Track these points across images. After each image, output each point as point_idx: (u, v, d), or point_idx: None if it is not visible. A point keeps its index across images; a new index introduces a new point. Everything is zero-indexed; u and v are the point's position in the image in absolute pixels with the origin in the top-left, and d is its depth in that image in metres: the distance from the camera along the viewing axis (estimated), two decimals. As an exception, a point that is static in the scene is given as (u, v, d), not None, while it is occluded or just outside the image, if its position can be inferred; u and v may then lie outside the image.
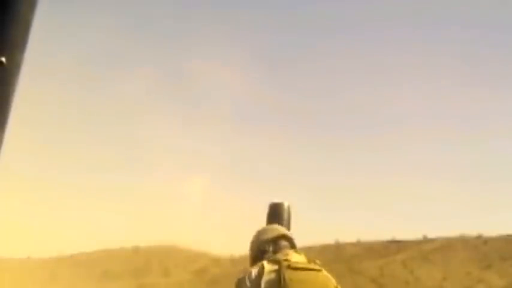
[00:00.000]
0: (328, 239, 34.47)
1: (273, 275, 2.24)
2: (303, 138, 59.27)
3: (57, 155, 63.78)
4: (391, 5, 58.77)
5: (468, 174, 52.84)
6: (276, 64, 63.41)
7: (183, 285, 38.47)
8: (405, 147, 55.67)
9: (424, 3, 59.85)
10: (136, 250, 47.00)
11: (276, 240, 2.51)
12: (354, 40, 60.98)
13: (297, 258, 2.44)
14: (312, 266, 2.40)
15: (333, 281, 2.33)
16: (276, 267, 2.26)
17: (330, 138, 58.65)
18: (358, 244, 33.84)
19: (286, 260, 2.35)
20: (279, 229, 2.68)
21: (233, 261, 37.46)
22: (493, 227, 54.32)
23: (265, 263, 2.30)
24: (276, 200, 3.65)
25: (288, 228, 3.57)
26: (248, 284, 2.24)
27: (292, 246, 2.56)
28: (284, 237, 2.57)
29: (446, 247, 31.01)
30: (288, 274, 2.23)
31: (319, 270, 2.37)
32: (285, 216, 3.60)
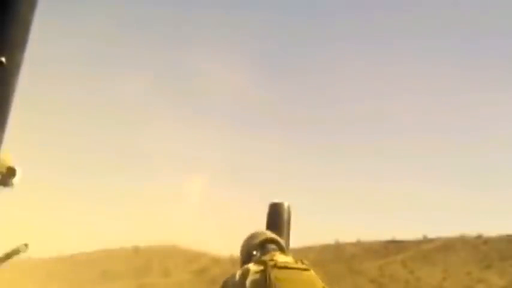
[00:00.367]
0: (328, 239, 34.49)
1: (258, 276, 2.26)
2: (304, 140, 59.33)
3: (57, 156, 63.81)
4: (394, 13, 58.80)
5: (468, 174, 52.87)
6: (277, 68, 63.48)
7: (183, 285, 38.47)
8: (405, 148, 55.71)
9: (427, 11, 59.87)
10: (136, 250, 47.01)
11: (264, 244, 2.54)
12: (356, 46, 61.06)
13: (283, 259, 2.46)
14: (299, 265, 2.43)
15: (320, 282, 2.36)
16: (261, 267, 2.28)
17: (330, 140, 58.65)
18: (358, 244, 33.84)
19: (272, 260, 2.38)
20: (266, 233, 2.71)
21: (233, 261, 37.45)
22: (493, 227, 54.29)
23: (250, 265, 2.32)
24: (276, 200, 3.65)
25: (288, 228, 3.58)
26: (231, 286, 2.27)
27: (280, 249, 2.59)
28: (272, 240, 2.60)
29: (446, 247, 31.01)
30: (274, 273, 2.25)
31: (306, 270, 2.39)
32: (285, 216, 3.61)
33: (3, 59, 1.01)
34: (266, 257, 2.39)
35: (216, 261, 42.53)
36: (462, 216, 48.62)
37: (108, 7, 69.27)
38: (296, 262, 2.49)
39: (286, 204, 3.63)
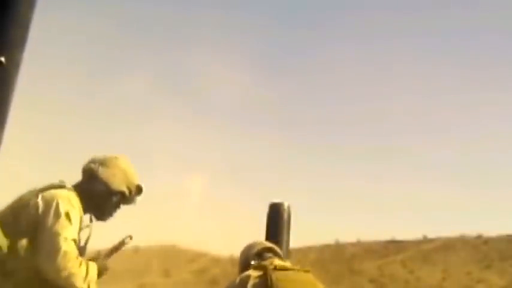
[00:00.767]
0: (328, 239, 34.48)
1: (258, 280, 2.31)
2: (304, 140, 59.38)
3: (57, 155, 63.82)
4: (394, 13, 58.84)
5: (468, 174, 52.89)
6: (278, 68, 63.50)
7: (183, 285, 38.48)
8: (405, 148, 55.73)
9: (430, 12, 59.90)
10: (136, 250, 47.05)
11: (261, 253, 2.58)
12: (357, 46, 61.07)
13: (282, 263, 2.52)
14: (298, 267, 2.50)
15: (320, 284, 2.41)
16: (261, 272, 2.33)
17: (330, 140, 58.70)
18: (358, 244, 33.85)
19: (271, 264, 2.42)
20: (263, 243, 2.75)
21: (233, 261, 37.46)
22: (493, 227, 54.32)
23: (250, 271, 2.37)
24: (276, 200, 3.66)
25: (288, 228, 3.58)
26: None
27: (278, 257, 2.63)
28: (269, 249, 2.64)
29: (446, 247, 31.02)
30: (275, 274, 2.30)
31: (306, 271, 2.45)
32: (285, 216, 3.61)
33: (3, 59, 1.01)
34: (265, 262, 2.44)
35: (216, 261, 42.54)
36: (462, 216, 48.66)
37: (109, 7, 69.31)
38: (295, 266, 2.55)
39: (286, 204, 3.64)
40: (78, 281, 2.36)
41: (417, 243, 32.35)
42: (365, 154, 57.94)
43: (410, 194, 52.82)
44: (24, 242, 2.35)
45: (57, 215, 2.36)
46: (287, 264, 2.55)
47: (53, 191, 2.48)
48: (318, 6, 62.29)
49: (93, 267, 2.48)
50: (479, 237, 31.50)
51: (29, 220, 2.38)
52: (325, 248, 33.65)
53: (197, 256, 45.03)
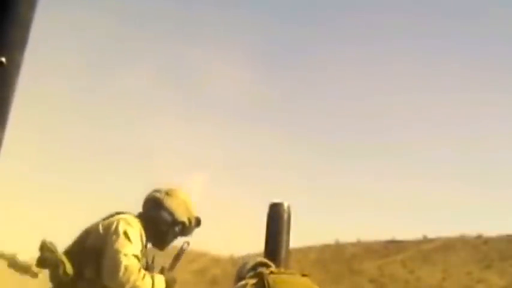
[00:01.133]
0: (328, 239, 34.44)
1: (254, 286, 2.36)
2: (305, 139, 59.31)
3: (57, 154, 63.82)
4: (396, 11, 58.86)
5: (468, 174, 52.92)
6: (279, 64, 63.47)
7: (183, 285, 38.50)
8: (406, 148, 55.74)
9: (428, 9, 59.93)
10: (136, 250, 46.98)
11: (255, 267, 2.63)
12: (359, 44, 61.01)
13: (278, 270, 2.58)
14: (295, 271, 2.55)
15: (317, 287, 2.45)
16: (256, 279, 2.38)
17: (331, 138, 58.67)
18: (358, 244, 33.85)
19: (267, 270, 2.50)
20: (257, 258, 2.81)
21: (233, 261, 37.46)
22: (493, 227, 54.34)
23: (247, 279, 2.43)
24: (276, 200, 3.66)
25: (288, 228, 3.59)
26: None
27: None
28: (264, 264, 2.68)
29: (446, 247, 31.02)
30: (272, 278, 2.35)
31: (303, 275, 2.49)
32: (285, 216, 3.62)
33: (3, 59, 1.02)
34: (261, 269, 2.48)
35: (216, 261, 42.52)
36: (462, 216, 48.60)
37: (110, 1, 69.33)
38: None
39: (286, 205, 3.65)
40: None
41: (417, 243, 32.33)
42: (365, 153, 57.95)
43: (410, 193, 52.83)
44: (90, 266, 2.51)
45: (116, 234, 2.51)
46: (283, 270, 2.61)
47: (114, 217, 2.64)
48: (319, 3, 62.31)
49: (160, 279, 2.59)
50: (479, 237, 31.48)
51: (93, 246, 2.54)
52: (325, 248, 33.64)
53: (197, 256, 45.03)
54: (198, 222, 2.87)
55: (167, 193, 2.81)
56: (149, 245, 2.73)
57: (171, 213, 2.76)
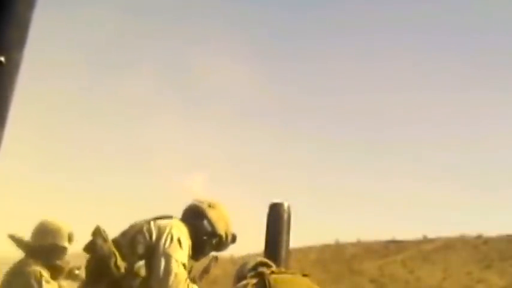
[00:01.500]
0: (328, 239, 34.44)
1: (255, 286, 2.37)
2: (304, 138, 59.31)
3: (57, 154, 63.85)
4: (397, 7, 58.82)
5: (468, 174, 52.94)
6: (282, 62, 63.46)
7: (183, 285, 38.36)
8: (406, 148, 55.75)
9: (429, 6, 59.90)
10: (136, 250, 46.96)
11: (256, 267, 2.64)
12: (362, 41, 60.90)
13: (278, 269, 2.61)
14: (296, 271, 2.57)
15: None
16: (257, 279, 2.40)
17: (332, 138, 58.66)
18: (358, 244, 33.85)
19: (268, 270, 2.52)
20: (257, 258, 2.81)
21: (233, 261, 37.49)
22: (493, 227, 54.37)
23: (247, 279, 2.44)
24: (276, 201, 3.66)
25: (288, 228, 3.59)
26: None
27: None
28: (264, 264, 2.69)
29: (446, 247, 31.03)
30: (273, 278, 2.36)
31: (304, 275, 2.51)
32: (285, 216, 3.62)
33: (2, 59, 1.02)
34: (262, 269, 2.49)
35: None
36: (462, 216, 48.61)
37: (110, 1, 69.32)
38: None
39: (286, 205, 3.65)
40: None
41: (417, 243, 32.34)
42: (365, 153, 57.99)
43: (410, 193, 52.86)
44: (140, 264, 2.50)
45: (170, 239, 2.52)
46: (283, 270, 2.62)
47: (167, 220, 2.66)
48: (327, 2, 62.32)
49: None
50: (479, 237, 31.48)
51: (144, 244, 2.54)
52: (325, 248, 33.65)
53: (197, 256, 44.95)
54: (233, 238, 2.90)
55: (210, 205, 2.84)
56: None
57: (212, 225, 2.79)
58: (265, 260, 2.78)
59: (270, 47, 61.42)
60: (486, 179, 50.53)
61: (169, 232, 2.55)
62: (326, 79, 59.54)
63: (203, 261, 2.83)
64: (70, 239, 3.58)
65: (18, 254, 3.74)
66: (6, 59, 1.02)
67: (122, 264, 2.46)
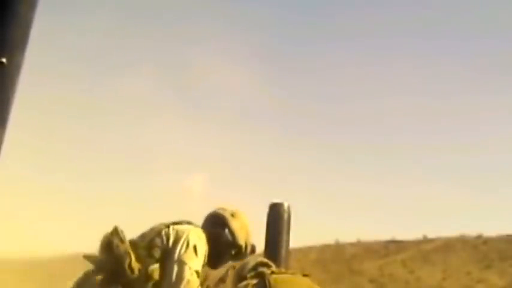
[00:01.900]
0: (328, 239, 34.43)
1: (256, 286, 2.37)
2: (305, 139, 59.34)
3: (58, 155, 63.81)
4: (398, 13, 58.84)
5: (468, 174, 52.93)
6: (281, 65, 63.47)
7: (183, 286, 38.28)
8: (406, 148, 55.74)
9: (428, 11, 59.88)
10: (136, 250, 46.82)
11: (256, 267, 2.64)
12: (363, 45, 61.05)
13: (279, 270, 2.61)
14: (296, 272, 2.57)
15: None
16: (257, 279, 2.40)
17: (331, 139, 58.69)
18: (358, 244, 33.83)
19: (268, 270, 2.53)
20: (257, 258, 2.82)
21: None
22: (493, 227, 54.32)
23: (248, 280, 2.44)
24: (276, 201, 3.66)
25: (288, 228, 3.59)
26: None
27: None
28: (264, 264, 2.69)
29: (446, 247, 31.02)
30: (273, 278, 2.36)
31: (304, 275, 2.51)
32: (285, 216, 3.62)
33: (4, 60, 1.02)
34: (262, 269, 2.49)
35: (216, 261, 42.39)
36: (462, 216, 48.60)
37: (109, 4, 69.25)
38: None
39: (286, 205, 3.65)
40: None
41: (417, 243, 32.32)
42: (365, 154, 57.98)
43: (410, 194, 52.83)
44: (154, 267, 2.51)
45: (186, 245, 2.52)
46: (283, 270, 2.62)
47: (185, 226, 2.65)
48: (323, 2, 62.32)
49: None
50: (479, 237, 31.47)
51: (161, 248, 2.55)
52: (325, 248, 33.63)
53: (197, 256, 44.85)
54: (253, 249, 2.90)
55: (232, 214, 2.82)
56: None
57: (233, 235, 2.77)
58: (265, 260, 2.77)
59: (270, 49, 61.46)
60: (486, 179, 50.53)
61: (186, 238, 2.55)
62: (326, 81, 59.53)
63: (220, 269, 2.83)
64: None
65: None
66: (7, 60, 1.02)
67: (136, 266, 2.47)
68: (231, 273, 2.74)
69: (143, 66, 64.98)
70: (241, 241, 2.77)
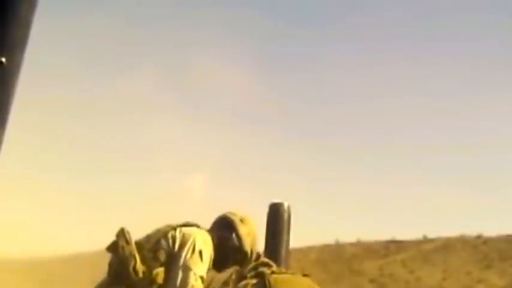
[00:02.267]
0: (328, 239, 34.43)
1: (255, 286, 2.38)
2: (305, 139, 59.31)
3: (58, 155, 63.82)
4: (396, 13, 58.87)
5: (468, 174, 52.94)
6: (280, 66, 63.49)
7: (183, 286, 38.26)
8: (406, 148, 55.72)
9: (428, 11, 59.94)
10: (136, 250, 46.74)
11: (256, 266, 2.66)
12: (360, 46, 61.01)
13: (279, 269, 2.62)
14: (296, 272, 2.57)
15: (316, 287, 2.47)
16: (257, 279, 2.40)
17: (331, 140, 58.69)
18: (358, 244, 33.84)
19: (268, 270, 2.55)
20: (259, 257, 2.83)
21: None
22: (493, 227, 54.32)
23: (247, 279, 2.45)
24: (276, 201, 3.66)
25: (288, 228, 3.59)
26: None
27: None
28: (264, 264, 2.70)
29: (446, 247, 31.02)
30: (273, 277, 2.37)
31: (305, 275, 2.51)
32: (285, 216, 3.62)
33: (3, 59, 1.02)
34: (262, 269, 2.50)
35: (216, 261, 42.35)
36: (462, 216, 48.61)
37: (110, 5, 69.34)
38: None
39: (286, 205, 3.65)
40: None
41: (417, 243, 32.32)
42: (365, 154, 57.99)
43: (410, 194, 52.83)
44: (158, 270, 2.51)
45: (192, 250, 2.52)
46: (284, 270, 2.63)
47: (192, 229, 2.65)
48: (320, 4, 62.35)
49: None
50: (479, 237, 31.47)
51: (167, 251, 2.54)
52: (325, 248, 33.64)
53: (197, 256, 44.80)
54: (257, 257, 2.90)
55: (241, 220, 2.82)
56: None
57: (240, 239, 2.77)
58: (266, 260, 2.77)
59: (270, 51, 61.48)
60: (486, 179, 50.54)
61: (193, 242, 2.54)
62: (326, 82, 59.55)
63: (224, 273, 2.83)
64: None
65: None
66: (7, 59, 1.02)
67: (140, 269, 2.47)
68: (234, 277, 2.74)
69: (144, 67, 65.06)
70: (247, 247, 2.77)
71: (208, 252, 2.58)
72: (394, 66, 57.01)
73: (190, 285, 2.44)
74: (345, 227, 54.03)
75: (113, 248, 2.52)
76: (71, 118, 64.84)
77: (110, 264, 2.56)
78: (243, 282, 2.45)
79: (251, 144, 56.49)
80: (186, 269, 2.47)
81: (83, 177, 62.27)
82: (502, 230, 32.52)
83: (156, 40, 66.90)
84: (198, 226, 2.72)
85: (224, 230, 2.70)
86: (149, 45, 69.27)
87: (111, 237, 2.64)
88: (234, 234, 2.70)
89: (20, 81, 1.07)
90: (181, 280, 2.45)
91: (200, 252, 2.52)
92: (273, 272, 2.46)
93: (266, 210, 3.63)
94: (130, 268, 2.44)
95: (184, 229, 2.62)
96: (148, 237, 2.62)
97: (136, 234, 2.71)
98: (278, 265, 2.93)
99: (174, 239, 2.57)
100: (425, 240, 32.45)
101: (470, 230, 34.28)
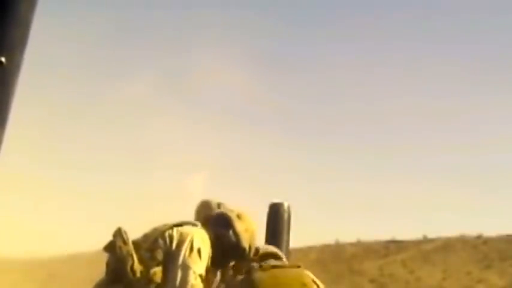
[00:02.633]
0: (328, 239, 34.44)
1: (242, 282, 2.40)
2: (305, 139, 59.30)
3: (58, 155, 63.83)
4: (396, 13, 58.87)
5: (468, 174, 52.93)
6: (280, 66, 63.48)
7: (183, 286, 38.27)
8: (406, 148, 55.72)
9: (427, 12, 59.97)
10: (136, 250, 46.75)
11: (263, 257, 2.67)
12: (360, 46, 61.05)
13: (274, 262, 2.63)
14: (287, 264, 2.57)
15: (309, 275, 2.47)
16: (243, 276, 2.42)
17: (331, 140, 58.66)
18: (358, 244, 33.84)
19: (260, 265, 2.56)
20: (267, 248, 2.84)
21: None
22: (493, 227, 54.34)
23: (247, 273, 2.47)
24: (276, 201, 3.66)
25: (288, 228, 3.59)
26: None
27: (279, 259, 2.74)
28: (272, 254, 2.71)
29: (446, 247, 31.03)
30: (259, 275, 2.39)
31: (297, 267, 2.52)
32: (285, 216, 3.62)
33: (3, 59, 1.02)
34: (253, 264, 2.52)
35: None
36: (462, 216, 48.62)
37: (109, 7, 69.37)
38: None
39: (286, 205, 3.65)
40: None
41: (417, 243, 32.33)
42: (365, 154, 58.01)
43: (410, 194, 52.85)
44: (155, 270, 2.48)
45: (190, 249, 2.51)
46: (279, 263, 2.62)
47: (189, 227, 2.64)
48: (320, 4, 62.32)
49: None
50: (479, 237, 31.47)
51: (164, 250, 2.52)
52: (325, 248, 33.65)
53: (197, 256, 44.80)
54: (256, 253, 2.89)
55: (238, 216, 2.82)
56: None
57: (237, 236, 2.77)
58: (275, 250, 2.77)
59: (270, 52, 61.49)
60: (486, 179, 50.55)
61: (190, 241, 2.54)
62: (326, 82, 59.56)
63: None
64: None
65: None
66: (7, 59, 1.02)
67: (138, 268, 2.46)
68: (231, 273, 2.75)
69: (144, 68, 65.11)
70: (245, 244, 2.76)
71: (207, 250, 2.57)
72: (394, 66, 57.06)
73: (190, 284, 2.43)
74: (345, 227, 54.06)
75: (110, 247, 2.52)
76: (71, 119, 64.90)
77: (108, 264, 2.56)
78: (231, 274, 2.48)
79: (251, 144, 56.52)
80: (185, 267, 2.46)
81: (83, 177, 62.29)
82: (502, 230, 32.54)
83: (156, 41, 66.95)
84: (195, 224, 2.71)
85: (221, 227, 2.70)
86: (150, 46, 69.31)
87: (111, 238, 2.64)
88: (231, 231, 2.69)
89: (20, 81, 1.07)
90: (181, 279, 2.44)
91: (198, 251, 2.51)
92: (274, 266, 2.47)
93: (266, 210, 3.63)
94: (128, 268, 2.43)
95: (181, 228, 2.61)
96: (145, 237, 2.61)
97: (137, 234, 2.71)
98: None
99: (171, 237, 2.56)
100: (425, 240, 32.45)
101: (470, 230, 34.29)
